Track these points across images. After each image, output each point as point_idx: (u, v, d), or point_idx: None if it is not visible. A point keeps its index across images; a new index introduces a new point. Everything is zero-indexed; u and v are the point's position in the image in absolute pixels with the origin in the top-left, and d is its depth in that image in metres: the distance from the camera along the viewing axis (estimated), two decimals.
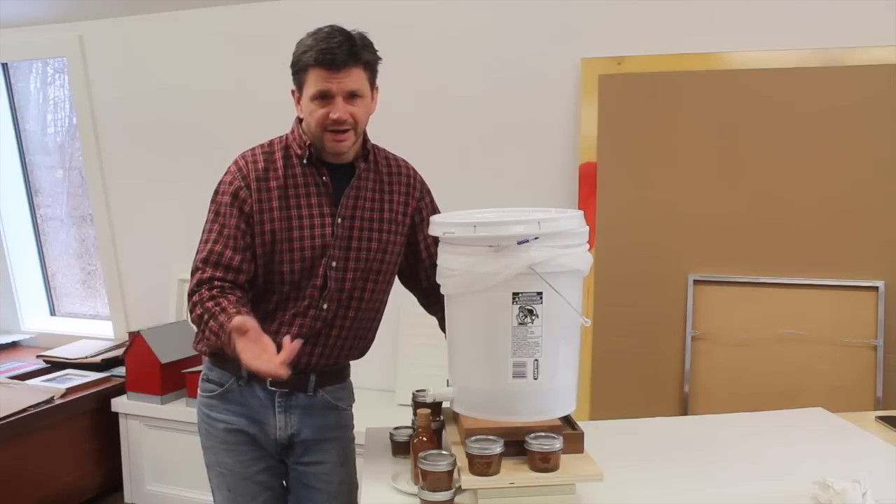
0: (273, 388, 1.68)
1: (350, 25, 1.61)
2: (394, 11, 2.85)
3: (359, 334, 1.73)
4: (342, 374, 1.78)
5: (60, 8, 3.30)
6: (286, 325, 1.64)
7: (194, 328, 1.66)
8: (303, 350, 1.65)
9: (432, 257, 1.72)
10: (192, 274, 1.62)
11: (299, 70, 1.57)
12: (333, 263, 1.63)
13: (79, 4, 3.26)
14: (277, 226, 1.61)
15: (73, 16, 3.36)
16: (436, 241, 1.67)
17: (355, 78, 1.56)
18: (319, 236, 1.62)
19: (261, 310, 1.65)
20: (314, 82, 1.55)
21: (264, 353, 1.40)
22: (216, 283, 1.58)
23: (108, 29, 3.37)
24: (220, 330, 1.49)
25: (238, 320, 1.44)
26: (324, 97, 1.55)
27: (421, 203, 1.76)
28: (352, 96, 1.56)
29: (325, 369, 1.71)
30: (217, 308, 1.52)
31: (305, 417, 1.71)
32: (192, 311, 1.60)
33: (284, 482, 1.80)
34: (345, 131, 1.57)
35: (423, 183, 1.78)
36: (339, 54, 1.52)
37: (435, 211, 1.78)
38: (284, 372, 1.39)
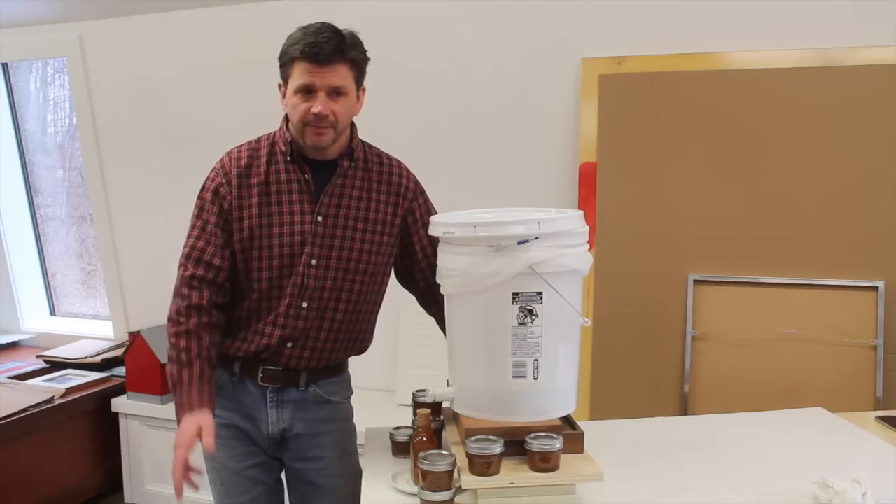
0: (264, 384, 1.69)
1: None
2: (393, 12, 2.84)
3: (351, 336, 1.72)
4: (336, 370, 1.77)
5: (60, 8, 3.30)
6: (270, 325, 1.65)
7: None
8: (291, 353, 1.66)
9: (428, 258, 1.72)
10: (178, 268, 1.66)
11: (286, 62, 1.58)
12: (313, 261, 1.63)
13: (79, 4, 3.26)
14: (255, 222, 1.62)
15: (73, 16, 3.36)
16: (432, 241, 1.67)
17: (340, 74, 1.56)
18: (298, 233, 1.62)
19: (244, 308, 1.66)
20: (299, 75, 1.55)
21: (182, 462, 1.49)
22: (195, 302, 1.60)
23: (108, 29, 3.37)
24: (187, 389, 1.56)
25: (207, 420, 1.52)
26: (307, 91, 1.55)
27: (413, 204, 1.73)
28: (335, 93, 1.56)
29: (317, 368, 1.71)
30: (193, 357, 1.58)
31: (297, 412, 1.71)
32: (173, 324, 1.62)
33: (282, 478, 1.81)
34: (324, 127, 1.57)
35: (416, 183, 1.76)
36: (325, 48, 1.52)
37: (430, 212, 1.75)
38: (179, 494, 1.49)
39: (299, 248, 1.62)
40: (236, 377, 1.70)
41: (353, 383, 1.84)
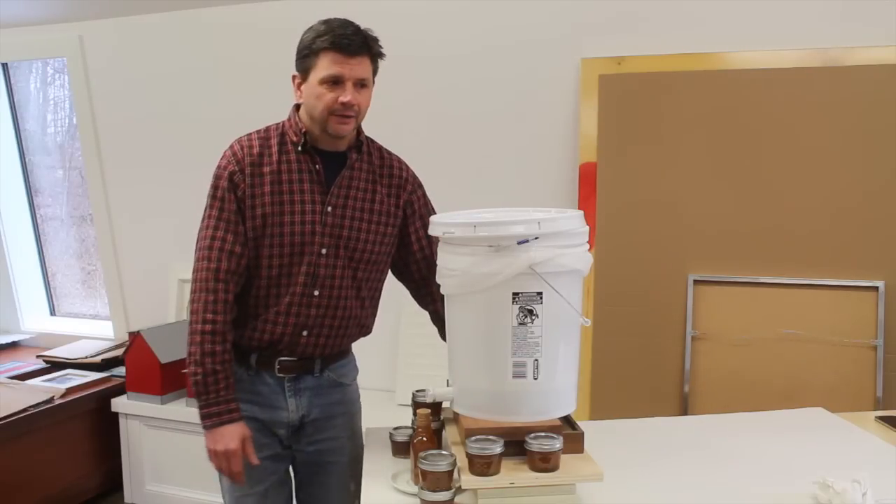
0: (281, 375, 1.72)
1: None
2: (393, 12, 2.84)
3: (358, 322, 1.77)
4: (344, 352, 1.83)
5: (60, 8, 3.30)
6: (283, 314, 1.67)
7: (188, 315, 1.67)
8: (307, 341, 1.70)
9: (424, 250, 1.77)
10: (198, 260, 1.64)
11: (310, 54, 1.60)
12: (323, 251, 1.66)
13: (79, 4, 3.26)
14: (269, 210, 1.63)
15: (73, 16, 3.36)
16: (428, 235, 1.70)
17: (365, 67, 1.61)
18: (309, 222, 1.65)
19: (251, 296, 1.68)
20: (326, 66, 1.58)
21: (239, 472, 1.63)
22: (222, 297, 1.61)
23: (108, 29, 3.37)
24: (224, 395, 1.60)
25: (247, 431, 1.62)
26: (335, 82, 1.59)
27: (413, 196, 1.78)
28: (360, 84, 1.61)
29: (330, 354, 1.76)
30: (223, 361, 1.60)
31: (314, 398, 1.76)
32: (202, 322, 1.61)
33: (291, 470, 1.84)
34: (349, 116, 1.61)
35: (414, 177, 1.81)
36: (355, 41, 1.58)
37: (428, 206, 1.81)
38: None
39: (310, 238, 1.65)
40: (252, 370, 1.72)
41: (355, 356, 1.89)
